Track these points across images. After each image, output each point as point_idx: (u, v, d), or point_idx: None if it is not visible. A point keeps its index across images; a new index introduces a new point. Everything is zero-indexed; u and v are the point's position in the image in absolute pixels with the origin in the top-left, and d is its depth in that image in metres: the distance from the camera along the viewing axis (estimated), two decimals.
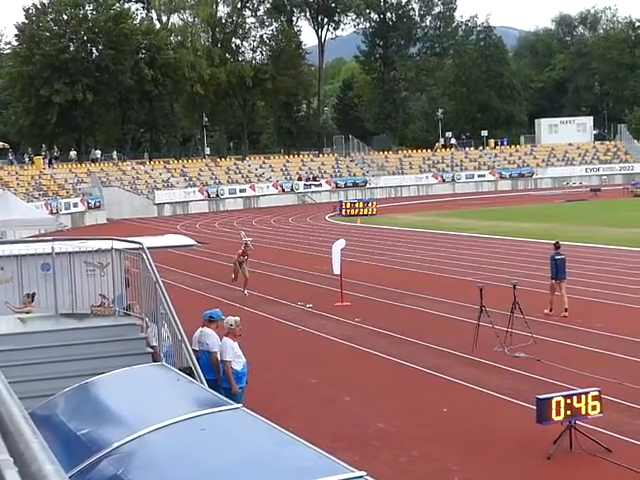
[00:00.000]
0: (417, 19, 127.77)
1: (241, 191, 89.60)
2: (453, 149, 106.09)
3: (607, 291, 28.59)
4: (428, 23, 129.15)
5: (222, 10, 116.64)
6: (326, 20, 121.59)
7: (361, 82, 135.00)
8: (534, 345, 20.65)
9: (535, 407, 13.64)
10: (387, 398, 17.34)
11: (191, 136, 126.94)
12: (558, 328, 23.01)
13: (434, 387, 18.12)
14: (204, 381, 12.73)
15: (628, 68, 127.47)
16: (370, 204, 70.92)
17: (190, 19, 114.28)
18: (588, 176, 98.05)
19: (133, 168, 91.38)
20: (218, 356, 14.80)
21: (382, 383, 18.52)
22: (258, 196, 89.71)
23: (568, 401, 13.38)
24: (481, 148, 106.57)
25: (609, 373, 17.73)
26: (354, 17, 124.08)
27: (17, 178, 78.90)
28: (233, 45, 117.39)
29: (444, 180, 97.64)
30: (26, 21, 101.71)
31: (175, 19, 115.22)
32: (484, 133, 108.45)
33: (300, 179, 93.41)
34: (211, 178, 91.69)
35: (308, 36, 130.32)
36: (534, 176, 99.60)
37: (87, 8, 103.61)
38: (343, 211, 69.26)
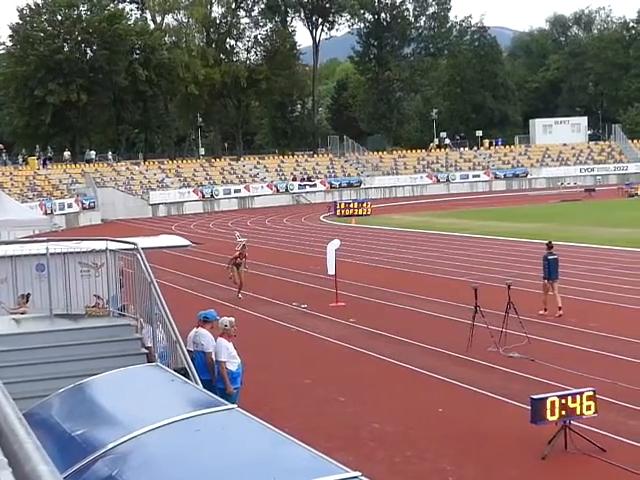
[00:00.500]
0: (411, 19, 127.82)
1: (236, 191, 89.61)
2: (447, 149, 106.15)
3: (601, 291, 28.62)
4: (422, 23, 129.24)
5: (216, 10, 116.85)
6: (320, 20, 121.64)
7: (355, 82, 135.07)
8: (528, 345, 20.67)
9: (530, 407, 13.64)
10: (382, 398, 17.34)
11: (185, 136, 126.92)
12: (552, 328, 23.03)
13: (429, 387, 18.13)
14: (199, 382, 12.73)
15: (622, 68, 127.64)
16: (365, 204, 70.95)
17: (184, 19, 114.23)
18: (582, 176, 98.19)
19: (127, 168, 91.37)
20: (213, 356, 14.79)
21: (377, 383, 18.52)
22: (253, 196, 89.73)
23: (563, 401, 13.40)
24: (475, 148, 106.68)
25: (603, 373, 17.75)
26: (348, 17, 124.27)
27: (11, 179, 78.83)
28: (227, 45, 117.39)
29: (438, 180, 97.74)
30: (20, 22, 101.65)
31: (169, 19, 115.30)
32: (478, 133, 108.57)
33: (295, 179, 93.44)
34: (206, 178, 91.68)
35: (302, 36, 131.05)
36: (528, 176, 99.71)
37: (81, 8, 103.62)
38: (338, 211, 69.28)
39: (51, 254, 15.87)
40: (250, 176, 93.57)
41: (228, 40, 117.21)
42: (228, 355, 14.66)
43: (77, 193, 78.84)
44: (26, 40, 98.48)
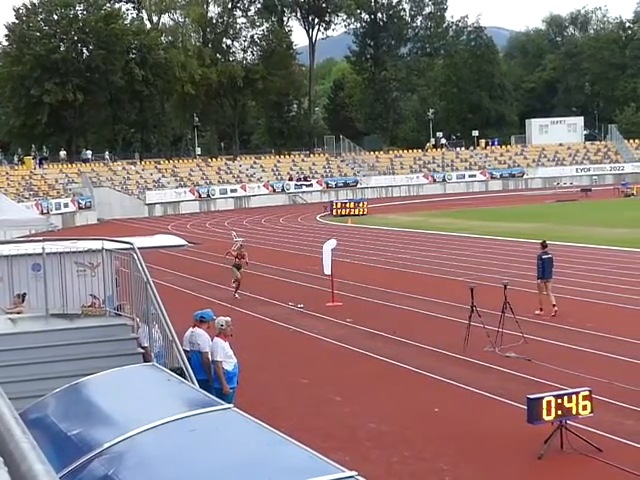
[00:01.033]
0: (408, 19, 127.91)
1: (232, 191, 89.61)
2: (444, 149, 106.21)
3: (598, 291, 28.63)
4: (419, 23, 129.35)
5: (213, 10, 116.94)
6: (317, 20, 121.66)
7: (352, 82, 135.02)
8: (525, 345, 20.68)
9: (526, 407, 13.64)
10: (378, 398, 17.33)
11: (182, 136, 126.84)
12: (549, 328, 23.04)
13: (425, 387, 18.13)
14: (195, 381, 12.71)
15: (618, 68, 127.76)
16: (361, 204, 71.01)
17: (181, 19, 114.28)
18: (579, 176, 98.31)
19: (124, 168, 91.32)
20: (209, 356, 14.78)
21: (373, 383, 18.52)
22: (249, 196, 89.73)
23: (559, 401, 13.39)
24: (472, 148, 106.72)
25: (600, 373, 17.75)
26: (345, 17, 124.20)
27: (7, 178, 78.75)
28: (224, 45, 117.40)
29: (435, 180, 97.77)
30: (16, 21, 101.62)
31: (166, 19, 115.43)
32: (475, 133, 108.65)
33: (291, 179, 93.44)
34: (202, 178, 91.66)
35: (299, 36, 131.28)
36: (525, 176, 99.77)
37: (77, 8, 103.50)
38: (334, 211, 69.32)
39: (47, 254, 15.84)
40: (246, 176, 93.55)
41: (224, 40, 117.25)
42: (224, 355, 14.65)
43: (73, 193, 78.80)
44: (22, 40, 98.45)
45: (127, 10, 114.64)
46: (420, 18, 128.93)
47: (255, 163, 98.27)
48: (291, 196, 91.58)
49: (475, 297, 20.86)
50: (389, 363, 20.09)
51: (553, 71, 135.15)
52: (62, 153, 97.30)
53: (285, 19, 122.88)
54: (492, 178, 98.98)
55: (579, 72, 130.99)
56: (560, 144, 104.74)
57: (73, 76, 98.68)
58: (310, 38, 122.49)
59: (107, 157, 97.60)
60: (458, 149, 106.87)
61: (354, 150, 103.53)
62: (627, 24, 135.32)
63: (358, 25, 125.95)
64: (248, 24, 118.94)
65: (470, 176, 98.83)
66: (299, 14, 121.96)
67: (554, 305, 24.62)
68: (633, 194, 76.20)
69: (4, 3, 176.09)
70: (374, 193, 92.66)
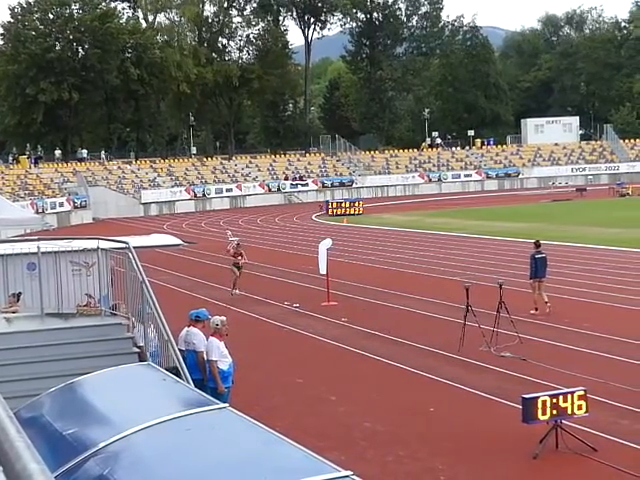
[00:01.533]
0: (404, 19, 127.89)
1: (227, 191, 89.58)
2: (439, 149, 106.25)
3: (594, 291, 28.65)
4: (414, 23, 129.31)
5: (208, 9, 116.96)
6: (313, 20, 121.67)
7: (348, 82, 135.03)
8: (520, 345, 20.69)
9: (521, 406, 13.65)
10: (374, 398, 17.33)
11: (177, 135, 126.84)
12: (544, 327, 23.05)
13: (420, 387, 18.13)
14: (190, 381, 12.70)
15: (614, 68, 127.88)
16: (356, 204, 71.02)
17: (176, 18, 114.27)
18: (574, 176, 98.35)
19: (119, 167, 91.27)
20: (204, 356, 14.77)
21: (369, 383, 18.52)
22: (245, 196, 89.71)
23: (554, 400, 13.40)
24: (467, 148, 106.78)
25: (595, 373, 17.76)
26: (341, 17, 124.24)
27: (2, 178, 78.67)
28: (220, 44, 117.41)
29: (430, 180, 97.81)
30: (12, 20, 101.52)
31: (161, 18, 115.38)
32: (470, 133, 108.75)
33: (287, 179, 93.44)
34: (197, 177, 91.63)
35: (295, 36, 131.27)
36: (520, 176, 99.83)
37: (73, 7, 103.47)
38: (330, 211, 69.30)
39: (42, 253, 15.83)
40: (242, 175, 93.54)
41: (220, 39, 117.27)
42: (219, 354, 14.65)
43: (69, 192, 78.73)
44: (18, 38, 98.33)
45: (123, 9, 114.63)
46: (416, 18, 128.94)
47: (251, 162, 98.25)
48: (287, 196, 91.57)
49: (470, 297, 20.86)
50: (384, 363, 20.09)
51: (549, 71, 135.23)
52: (57, 152, 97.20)
53: (281, 18, 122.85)
54: (488, 178, 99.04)
55: (574, 72, 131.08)
56: (555, 144, 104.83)
57: (68, 75, 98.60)
58: (306, 37, 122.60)
59: (103, 156, 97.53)
60: (454, 149, 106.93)
61: (350, 150, 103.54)
62: (622, 24, 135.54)
63: (354, 24, 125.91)
64: (244, 23, 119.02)
65: (466, 176, 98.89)
66: (295, 13, 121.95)
67: (547, 302, 24.70)
68: (628, 194, 76.28)
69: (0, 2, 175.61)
70: (370, 193, 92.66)
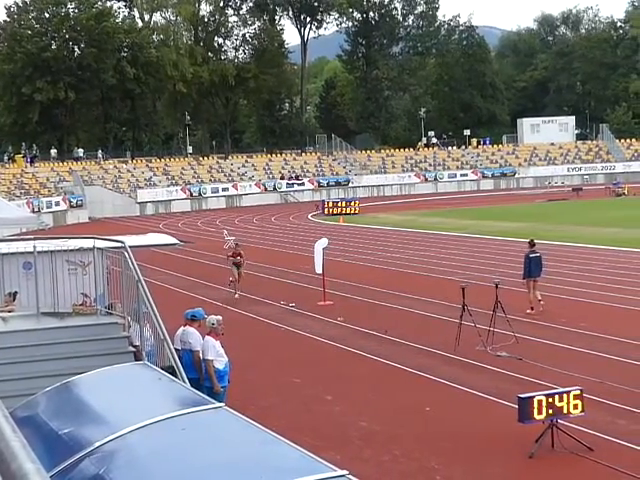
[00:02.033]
0: (400, 18, 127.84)
1: (224, 190, 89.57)
2: (436, 148, 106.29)
3: (590, 290, 28.66)
4: (411, 22, 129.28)
5: (204, 9, 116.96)
6: (309, 19, 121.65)
7: (344, 81, 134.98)
8: (516, 344, 20.68)
9: (517, 406, 13.65)
10: (370, 397, 17.33)
11: (173, 135, 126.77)
12: (540, 327, 23.06)
13: (416, 386, 18.13)
14: (186, 380, 12.69)
15: (610, 68, 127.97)
16: (353, 203, 71.00)
17: (172, 18, 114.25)
18: (570, 176, 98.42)
19: (115, 167, 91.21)
20: (200, 355, 14.76)
21: (365, 382, 18.52)
22: (241, 195, 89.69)
23: (550, 400, 13.40)
24: (463, 147, 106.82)
25: (592, 372, 17.77)
26: (337, 16, 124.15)
27: None
28: (216, 44, 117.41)
29: (426, 179, 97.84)
30: (8, 19, 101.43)
31: (157, 17, 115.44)
32: (466, 132, 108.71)
33: (283, 178, 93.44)
34: (193, 177, 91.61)
35: (291, 35, 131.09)
36: (516, 175, 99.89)
37: (69, 6, 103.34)
38: (326, 210, 69.27)
39: (38, 252, 15.81)
40: (238, 174, 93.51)
41: (216, 38, 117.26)
42: (215, 353, 14.64)
43: (65, 191, 78.68)
44: (14, 38, 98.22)
45: (119, 8, 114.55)
46: (412, 17, 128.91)
47: (247, 162, 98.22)
48: (283, 195, 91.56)
49: (467, 296, 20.86)
50: (380, 362, 20.09)
51: (545, 70, 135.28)
52: (53, 151, 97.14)
53: (277, 18, 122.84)
54: (484, 177, 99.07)
55: (570, 71, 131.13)
56: (551, 143, 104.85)
57: (64, 74, 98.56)
58: (302, 37, 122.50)
59: (100, 155, 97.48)
60: (450, 148, 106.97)
61: (346, 149, 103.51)
62: (618, 24, 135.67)
63: (350, 24, 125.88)
64: (240, 23, 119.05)
65: (462, 175, 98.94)
66: (291, 13, 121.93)
67: (540, 300, 24.76)
68: (624, 193, 76.34)
69: None
70: (366, 192, 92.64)
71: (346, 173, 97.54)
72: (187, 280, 35.37)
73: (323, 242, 28.77)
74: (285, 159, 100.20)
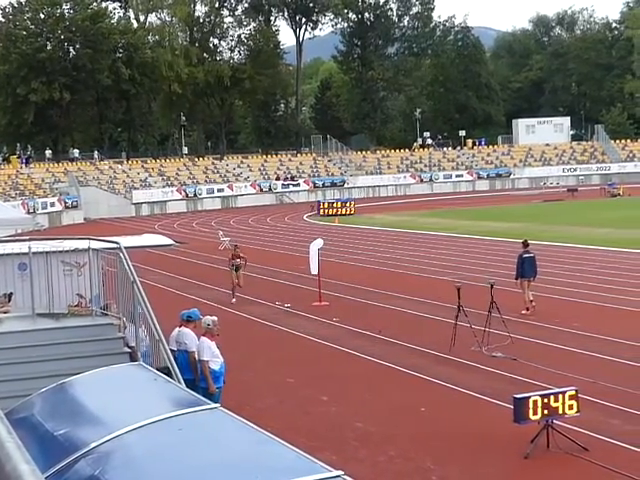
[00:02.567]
0: (395, 19, 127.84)
1: (219, 191, 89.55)
2: (431, 149, 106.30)
3: (584, 291, 28.69)
4: (406, 23, 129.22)
5: (200, 10, 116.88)
6: (304, 20, 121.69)
7: (339, 82, 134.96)
8: (511, 345, 20.70)
9: (512, 406, 13.67)
10: (365, 398, 17.34)
11: (169, 135, 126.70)
12: (535, 327, 23.08)
13: (412, 387, 18.14)
14: (182, 381, 12.69)
15: (605, 69, 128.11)
16: (348, 204, 71.00)
17: (168, 18, 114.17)
18: (565, 176, 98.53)
19: (110, 167, 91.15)
20: (196, 356, 14.76)
21: (360, 383, 18.52)
22: (236, 196, 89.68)
23: (545, 400, 13.42)
24: (459, 148, 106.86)
25: (586, 372, 17.80)
26: (332, 17, 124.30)
27: None
28: (211, 44, 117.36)
29: (422, 180, 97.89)
30: (2, 20, 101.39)
31: (153, 18, 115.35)
32: (462, 133, 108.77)
33: (278, 179, 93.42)
34: (189, 178, 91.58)
35: (286, 36, 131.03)
36: (512, 176, 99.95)
37: (64, 7, 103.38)
38: (321, 211, 69.29)
39: (33, 253, 15.80)
40: (233, 175, 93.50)
41: (211, 39, 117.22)
42: (211, 354, 14.64)
43: (60, 192, 78.61)
44: (9, 38, 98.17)
45: (114, 9, 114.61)
46: (407, 18, 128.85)
47: (242, 162, 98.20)
48: (278, 196, 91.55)
49: (462, 297, 20.87)
50: (376, 363, 20.09)
51: (540, 71, 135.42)
52: (48, 152, 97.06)
53: (272, 19, 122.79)
54: (479, 178, 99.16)
55: (566, 72, 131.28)
56: (547, 144, 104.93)
57: (60, 75, 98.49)
58: (297, 38, 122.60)
59: (96, 156, 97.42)
60: (445, 149, 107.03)
61: (341, 150, 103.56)
62: (613, 24, 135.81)
63: (345, 25, 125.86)
64: (235, 23, 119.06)
65: (457, 176, 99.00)
66: (286, 14, 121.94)
67: (531, 300, 24.80)
68: (619, 194, 76.45)
69: None
70: (361, 193, 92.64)
71: (341, 174, 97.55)
72: (182, 280, 35.36)
73: (318, 243, 28.75)
74: (280, 160, 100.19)
